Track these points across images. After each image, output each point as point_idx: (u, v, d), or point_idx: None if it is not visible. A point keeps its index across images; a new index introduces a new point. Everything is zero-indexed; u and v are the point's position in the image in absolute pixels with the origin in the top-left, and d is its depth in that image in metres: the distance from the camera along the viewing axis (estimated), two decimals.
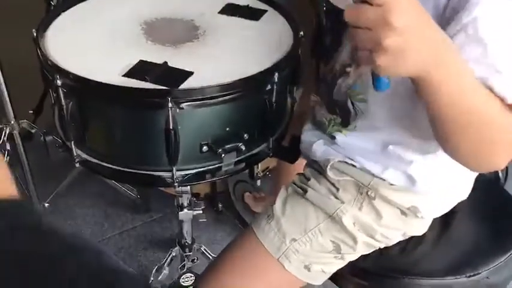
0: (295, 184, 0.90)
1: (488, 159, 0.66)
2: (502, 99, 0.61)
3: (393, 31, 0.51)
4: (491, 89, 0.61)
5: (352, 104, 0.80)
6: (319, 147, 0.87)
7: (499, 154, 0.65)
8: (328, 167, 0.84)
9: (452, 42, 0.58)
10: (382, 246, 0.87)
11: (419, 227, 0.88)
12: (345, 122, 0.83)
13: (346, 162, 0.83)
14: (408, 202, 0.83)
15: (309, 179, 0.89)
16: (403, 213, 0.84)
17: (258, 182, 1.71)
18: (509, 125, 0.63)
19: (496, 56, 0.60)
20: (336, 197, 0.84)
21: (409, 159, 0.79)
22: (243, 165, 0.85)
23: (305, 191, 0.87)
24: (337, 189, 0.84)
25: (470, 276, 0.84)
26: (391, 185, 0.81)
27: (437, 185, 0.68)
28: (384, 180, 0.81)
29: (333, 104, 0.85)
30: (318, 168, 0.89)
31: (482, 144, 0.64)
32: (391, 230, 0.85)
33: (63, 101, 0.77)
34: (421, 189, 0.81)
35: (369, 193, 0.83)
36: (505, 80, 0.60)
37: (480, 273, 0.85)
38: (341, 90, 0.81)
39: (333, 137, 0.85)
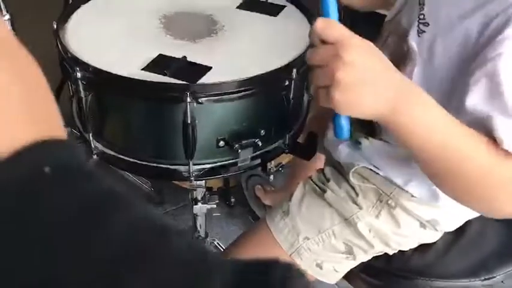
0: (313, 182, 0.90)
1: (486, 202, 0.62)
2: (495, 144, 0.58)
3: (344, 64, 0.52)
4: (489, 130, 0.58)
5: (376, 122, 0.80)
6: (344, 150, 0.86)
7: (497, 198, 0.61)
8: (352, 171, 0.83)
9: (411, 84, 0.57)
10: (395, 252, 0.87)
11: (433, 237, 0.87)
12: (371, 133, 0.82)
13: (370, 169, 0.82)
14: (429, 215, 0.81)
15: (328, 180, 0.88)
16: (422, 225, 0.83)
17: (271, 177, 1.71)
18: (496, 165, 0.59)
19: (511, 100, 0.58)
20: (355, 202, 0.83)
21: None
22: (258, 160, 0.85)
23: (323, 191, 0.86)
24: (357, 194, 0.83)
25: (485, 279, 0.83)
26: (413, 197, 0.80)
27: None
28: (407, 192, 0.80)
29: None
30: (339, 169, 0.88)
31: (468, 183, 0.60)
32: (407, 239, 0.85)
33: (82, 93, 0.78)
34: (444, 204, 0.79)
35: (389, 202, 0.81)
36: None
37: (495, 276, 0.84)
38: None
39: (358, 142, 0.84)
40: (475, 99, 0.59)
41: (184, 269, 0.24)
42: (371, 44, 0.55)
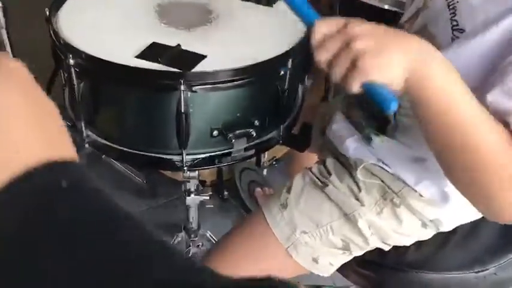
0: (313, 174, 0.88)
1: (492, 199, 0.60)
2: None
3: (361, 34, 0.53)
4: (506, 124, 0.58)
5: (394, 116, 0.78)
6: (352, 144, 0.83)
7: (505, 197, 0.59)
8: (360, 168, 0.81)
9: (433, 48, 0.56)
10: (390, 248, 0.86)
11: (430, 235, 0.86)
12: (382, 129, 0.80)
13: (379, 166, 0.80)
14: (433, 215, 0.80)
15: (330, 173, 0.86)
16: (423, 225, 0.82)
17: (265, 172, 1.71)
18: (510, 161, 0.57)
19: None
20: (357, 198, 0.82)
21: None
22: (252, 151, 0.85)
23: (325, 185, 0.84)
24: (360, 190, 0.81)
25: (478, 272, 0.83)
26: (422, 196, 0.79)
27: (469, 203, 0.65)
28: (416, 191, 0.78)
29: (371, 110, 0.82)
30: (344, 162, 0.86)
31: (476, 173, 0.59)
32: (405, 237, 0.84)
33: (74, 80, 0.77)
34: (452, 206, 0.78)
35: (394, 200, 0.80)
36: None
37: (488, 269, 0.84)
38: None
39: (369, 138, 0.81)
40: (497, 94, 0.58)
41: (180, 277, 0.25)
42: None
